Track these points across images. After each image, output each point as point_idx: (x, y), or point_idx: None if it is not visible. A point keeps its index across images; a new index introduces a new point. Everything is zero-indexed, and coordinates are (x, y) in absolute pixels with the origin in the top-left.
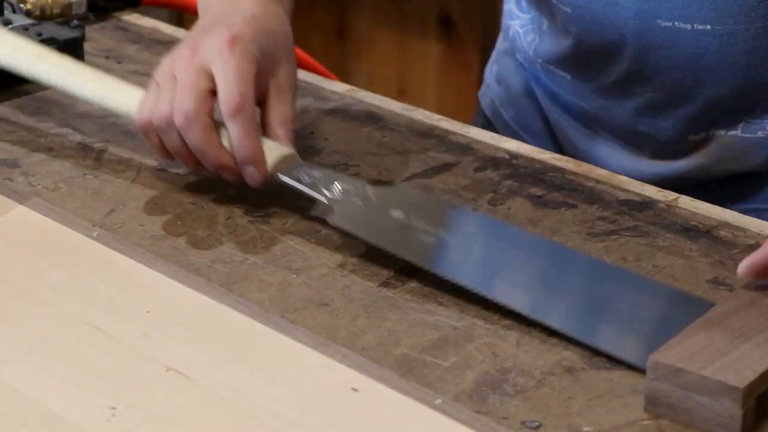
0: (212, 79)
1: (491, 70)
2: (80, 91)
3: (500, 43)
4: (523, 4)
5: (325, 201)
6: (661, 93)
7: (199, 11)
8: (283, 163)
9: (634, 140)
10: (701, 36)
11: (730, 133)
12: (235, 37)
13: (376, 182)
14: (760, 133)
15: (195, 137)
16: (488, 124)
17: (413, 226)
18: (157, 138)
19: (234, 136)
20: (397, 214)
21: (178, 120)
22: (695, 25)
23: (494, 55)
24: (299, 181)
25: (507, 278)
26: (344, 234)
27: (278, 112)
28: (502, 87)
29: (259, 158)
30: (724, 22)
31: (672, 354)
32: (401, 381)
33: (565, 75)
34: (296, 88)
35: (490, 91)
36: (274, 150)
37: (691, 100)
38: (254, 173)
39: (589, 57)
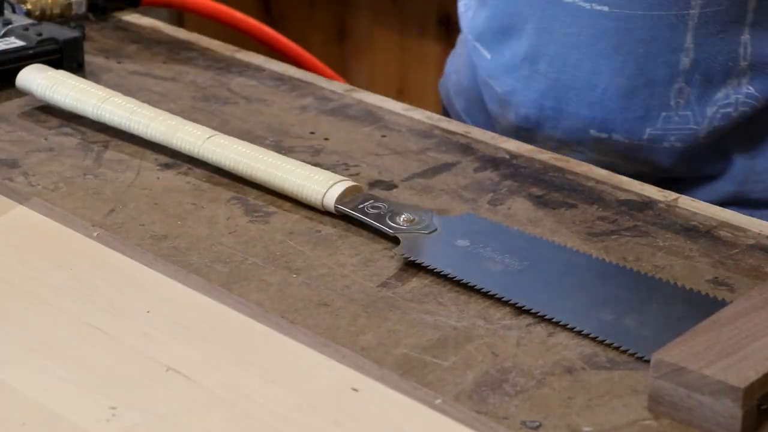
0: None
1: (450, 60)
2: (144, 129)
3: (461, 33)
4: None
5: (390, 232)
6: (563, 74)
7: None
8: (347, 195)
9: (538, 130)
10: (599, 17)
11: (634, 141)
12: None
13: (442, 213)
14: (665, 144)
15: None
16: (446, 116)
17: (479, 254)
18: None
19: None
20: (463, 243)
21: None
22: (593, 5)
23: (456, 45)
24: (363, 213)
25: (567, 298)
26: (343, 235)
27: None
28: (456, 77)
29: None
30: (621, 5)
31: (675, 352)
32: (401, 381)
33: (485, 53)
34: None
35: (446, 81)
36: (340, 183)
37: (591, 86)
38: None
39: (501, 30)
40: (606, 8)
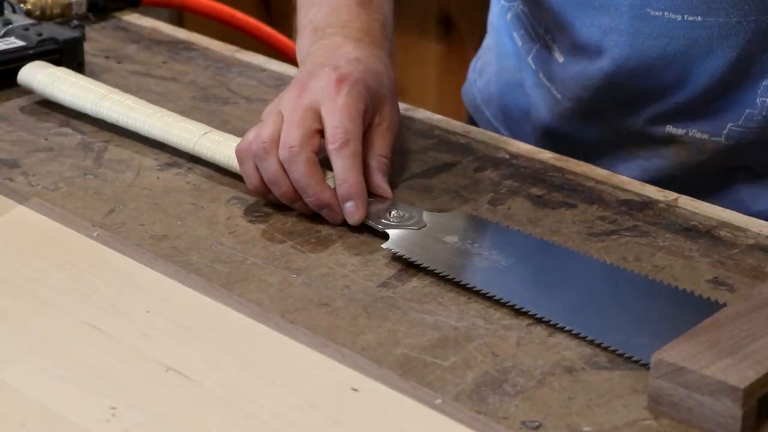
0: (319, 119)
1: (474, 66)
2: (141, 125)
3: (485, 39)
4: None
5: (379, 228)
6: (645, 82)
7: (300, 61)
8: None
9: (597, 125)
10: (692, 27)
11: (713, 139)
12: (342, 77)
13: (433, 209)
14: (743, 140)
15: (298, 171)
16: (471, 122)
17: (467, 251)
18: (252, 165)
19: (337, 170)
20: (452, 239)
21: (283, 153)
22: (686, 15)
23: (479, 51)
24: None
25: (556, 297)
26: (343, 235)
27: (375, 145)
28: (484, 81)
29: (360, 193)
30: (716, 14)
31: (675, 352)
32: (401, 381)
33: (559, 57)
34: (398, 128)
35: (472, 87)
36: (329, 177)
37: (676, 90)
38: (353, 209)
39: (580, 43)
40: (699, 18)
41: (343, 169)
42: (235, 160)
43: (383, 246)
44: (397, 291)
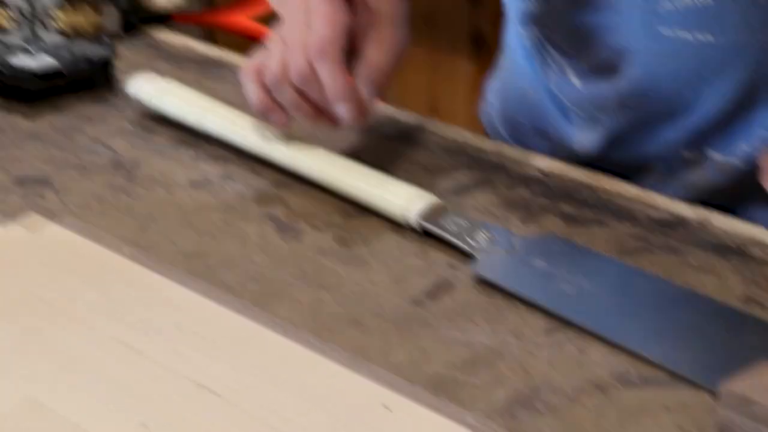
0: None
1: (492, 87)
2: (241, 140)
3: (501, 60)
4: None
5: (468, 249)
6: (658, 105)
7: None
8: (431, 211)
9: (615, 153)
10: (702, 47)
11: (727, 161)
12: None
13: (524, 233)
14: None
15: (326, 71)
16: None
17: (554, 275)
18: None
19: (322, 77)
20: (540, 263)
21: (312, 51)
22: (696, 34)
23: (496, 72)
24: (445, 229)
25: (641, 326)
26: (375, 252)
27: (368, 59)
28: (500, 104)
29: (349, 95)
30: (726, 33)
31: (746, 383)
32: (433, 398)
33: (576, 81)
34: (400, 45)
35: (489, 108)
36: (422, 198)
37: (688, 112)
38: (345, 110)
39: (596, 65)
40: (711, 37)
41: (326, 76)
42: (323, 172)
43: (471, 267)
44: (428, 308)
